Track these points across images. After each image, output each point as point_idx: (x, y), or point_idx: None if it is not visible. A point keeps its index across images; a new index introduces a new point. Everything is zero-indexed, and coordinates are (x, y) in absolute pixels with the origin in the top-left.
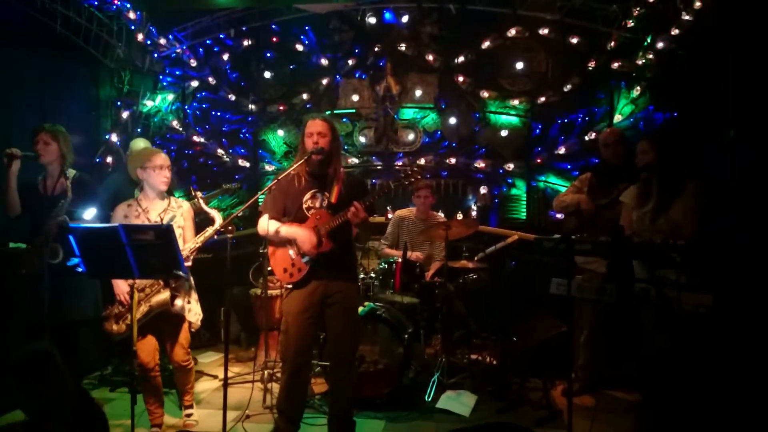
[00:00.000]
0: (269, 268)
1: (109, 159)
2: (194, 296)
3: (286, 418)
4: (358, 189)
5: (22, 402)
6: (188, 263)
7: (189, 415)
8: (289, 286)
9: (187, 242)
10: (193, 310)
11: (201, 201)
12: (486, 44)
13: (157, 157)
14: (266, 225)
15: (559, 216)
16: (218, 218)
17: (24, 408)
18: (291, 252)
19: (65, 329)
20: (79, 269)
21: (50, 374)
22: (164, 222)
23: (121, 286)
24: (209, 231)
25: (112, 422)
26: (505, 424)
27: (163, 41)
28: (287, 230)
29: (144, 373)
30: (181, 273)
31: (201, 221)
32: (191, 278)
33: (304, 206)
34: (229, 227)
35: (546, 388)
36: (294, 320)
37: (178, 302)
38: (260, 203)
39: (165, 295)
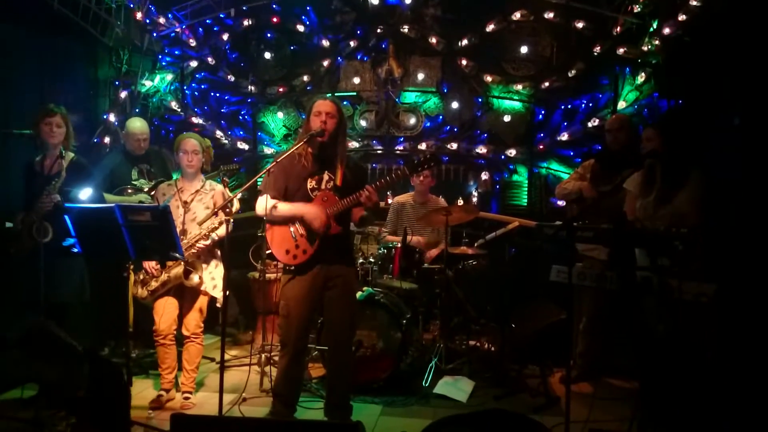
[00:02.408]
0: (268, 251)
1: (106, 139)
2: (221, 272)
3: (282, 402)
4: (360, 173)
5: (35, 376)
6: (207, 241)
7: (187, 398)
8: (291, 268)
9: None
10: (218, 287)
11: (226, 186)
12: (490, 27)
13: (187, 142)
14: (266, 204)
15: (560, 203)
16: (236, 203)
17: (38, 381)
18: (293, 232)
19: (53, 310)
20: (75, 249)
21: (51, 343)
22: (162, 202)
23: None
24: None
25: None
26: (502, 411)
27: (162, 20)
28: (293, 207)
29: (158, 338)
30: (177, 255)
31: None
32: (219, 254)
33: (308, 187)
34: (227, 209)
35: (544, 375)
36: (296, 305)
37: (195, 278)
38: (259, 185)
39: (181, 268)
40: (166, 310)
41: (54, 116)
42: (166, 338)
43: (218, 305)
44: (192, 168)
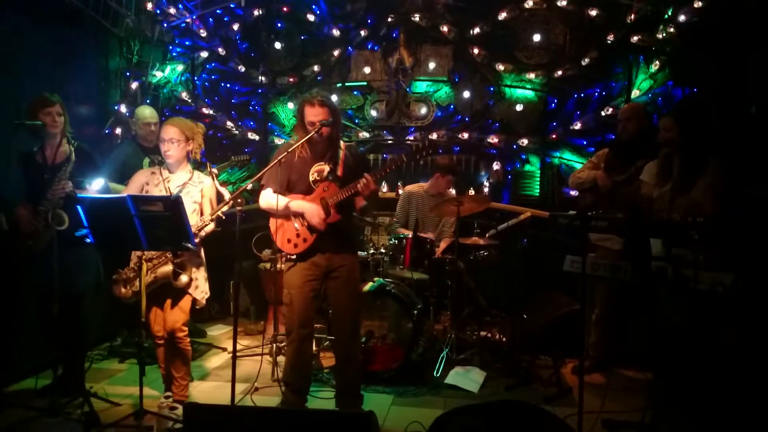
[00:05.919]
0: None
1: (118, 130)
2: (203, 274)
3: (293, 391)
4: (362, 162)
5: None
6: (196, 240)
7: (173, 409)
8: (293, 257)
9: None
10: (200, 288)
11: (214, 177)
12: (502, 15)
13: (166, 130)
14: (271, 199)
15: (573, 193)
16: (227, 197)
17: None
18: (296, 225)
19: (69, 300)
20: (88, 240)
21: None
22: (173, 194)
23: (137, 254)
24: (219, 209)
25: (121, 392)
26: (514, 401)
27: (172, 10)
28: (296, 205)
29: (156, 341)
30: (190, 245)
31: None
32: (203, 255)
33: (311, 179)
34: (239, 200)
35: (556, 366)
36: (297, 293)
37: (183, 278)
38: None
39: (170, 267)
40: (156, 314)
41: (53, 106)
42: (163, 339)
43: (198, 307)
44: (170, 158)
